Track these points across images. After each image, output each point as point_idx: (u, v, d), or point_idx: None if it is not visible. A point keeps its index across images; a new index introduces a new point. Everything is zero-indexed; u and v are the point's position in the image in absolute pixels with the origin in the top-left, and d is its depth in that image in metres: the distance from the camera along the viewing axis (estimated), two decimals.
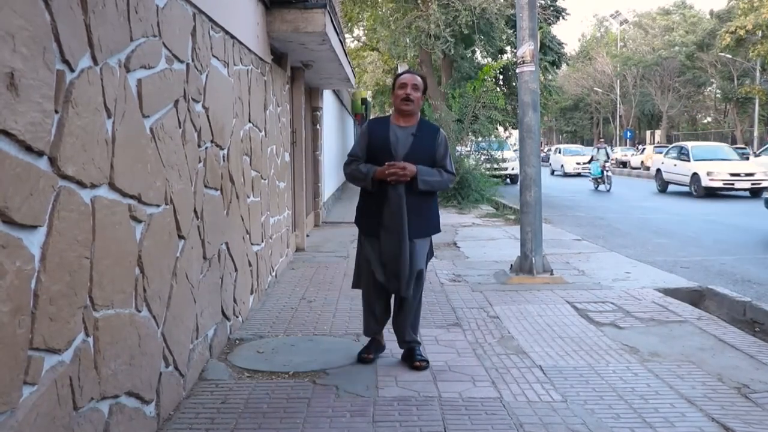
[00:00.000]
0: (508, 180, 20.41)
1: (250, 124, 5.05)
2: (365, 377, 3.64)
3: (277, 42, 6.30)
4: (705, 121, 55.11)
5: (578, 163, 28.02)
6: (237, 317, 4.54)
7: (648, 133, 49.33)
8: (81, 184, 2.20)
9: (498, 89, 19.31)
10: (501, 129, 21.15)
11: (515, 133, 24.10)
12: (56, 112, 2.05)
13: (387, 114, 4.09)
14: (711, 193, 16.77)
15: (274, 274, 6.14)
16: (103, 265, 2.37)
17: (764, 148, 22.16)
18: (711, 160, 17.50)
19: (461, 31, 18.29)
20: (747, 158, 18.57)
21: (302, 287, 5.97)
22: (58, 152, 2.04)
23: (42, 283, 1.96)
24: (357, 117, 21.28)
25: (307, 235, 8.79)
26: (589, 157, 21.39)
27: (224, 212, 4.18)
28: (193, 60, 3.52)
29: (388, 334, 4.04)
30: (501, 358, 3.98)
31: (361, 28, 27.02)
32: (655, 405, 3.24)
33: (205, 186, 3.74)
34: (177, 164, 3.21)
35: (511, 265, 6.56)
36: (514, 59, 10.22)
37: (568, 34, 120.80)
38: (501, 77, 20.73)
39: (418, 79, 3.83)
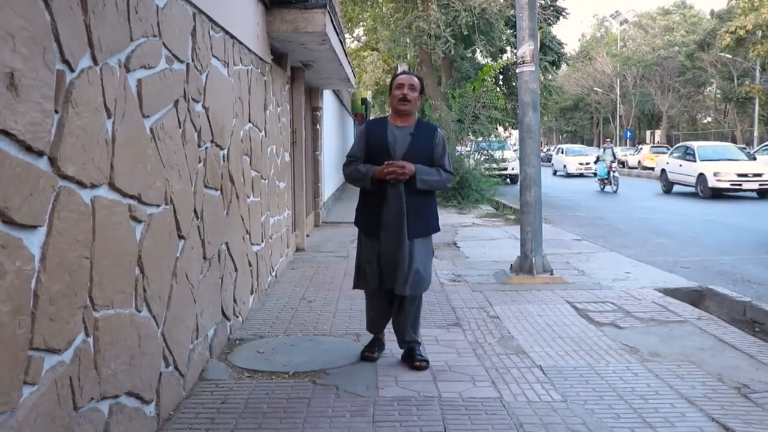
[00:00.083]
0: (508, 180, 20.39)
1: (250, 124, 5.05)
2: (365, 377, 3.64)
3: (277, 42, 6.30)
4: (705, 121, 55.10)
5: (581, 164, 27.95)
6: (237, 317, 4.54)
7: (648, 133, 49.34)
8: (81, 184, 2.20)
9: (498, 89, 19.29)
10: (501, 129, 21.14)
11: (515, 133, 24.13)
12: (56, 112, 2.05)
13: (387, 114, 4.11)
14: (717, 194, 16.49)
15: (274, 274, 6.15)
16: (103, 265, 2.37)
17: (760, 147, 22.07)
18: (718, 160, 17.22)
19: (461, 31, 18.29)
20: (754, 158, 18.29)
21: (302, 287, 5.98)
22: (58, 152, 2.04)
23: (42, 283, 1.96)
24: (357, 117, 21.29)
25: (307, 235, 8.79)
26: (594, 158, 21.25)
27: (224, 212, 4.18)
28: (193, 60, 3.52)
29: (389, 333, 4.04)
30: (501, 358, 3.98)
31: (361, 28, 27.01)
32: (655, 405, 3.24)
33: (205, 186, 3.74)
34: (177, 164, 3.21)
35: (511, 265, 6.57)
36: (514, 59, 10.23)
37: (568, 34, 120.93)
38: (501, 77, 20.71)
39: (415, 79, 3.87)
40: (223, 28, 4.20)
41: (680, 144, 20.88)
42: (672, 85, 47.22)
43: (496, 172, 16.54)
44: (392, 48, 22.56)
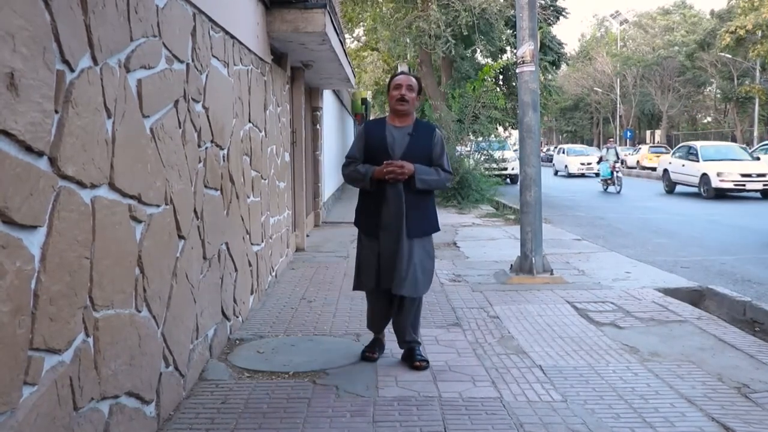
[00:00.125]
0: (508, 180, 20.37)
1: (250, 124, 5.05)
2: (365, 377, 3.64)
3: (277, 42, 6.30)
4: (705, 121, 55.08)
5: (583, 164, 27.87)
6: (237, 317, 4.54)
7: (648, 132, 49.32)
8: (81, 184, 2.21)
9: (498, 89, 19.27)
10: (501, 129, 21.12)
11: (515, 133, 24.10)
12: (56, 112, 2.05)
13: (386, 114, 4.12)
14: (721, 195, 16.37)
15: (274, 274, 6.15)
16: (103, 266, 2.37)
17: (759, 146, 22.00)
18: (721, 160, 17.09)
19: (461, 31, 18.28)
20: (758, 159, 18.17)
21: (302, 287, 5.98)
22: (58, 152, 2.04)
23: (42, 283, 1.96)
24: (357, 117, 21.28)
25: (307, 235, 8.79)
26: (596, 158, 21.09)
27: (224, 212, 4.18)
28: (193, 60, 3.52)
29: (389, 333, 4.04)
30: (501, 358, 3.98)
31: (361, 28, 27.00)
32: (655, 405, 3.24)
33: (205, 186, 3.74)
34: (177, 164, 3.21)
35: (511, 265, 6.57)
36: (514, 59, 10.23)
37: (568, 34, 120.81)
38: (501, 77, 20.70)
39: (413, 79, 3.88)
40: (223, 28, 4.20)
41: (683, 144, 20.69)
42: (672, 85, 47.20)
43: (496, 172, 16.52)
44: (392, 48, 22.56)
